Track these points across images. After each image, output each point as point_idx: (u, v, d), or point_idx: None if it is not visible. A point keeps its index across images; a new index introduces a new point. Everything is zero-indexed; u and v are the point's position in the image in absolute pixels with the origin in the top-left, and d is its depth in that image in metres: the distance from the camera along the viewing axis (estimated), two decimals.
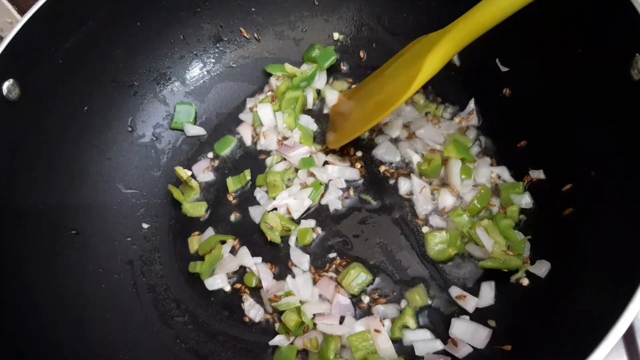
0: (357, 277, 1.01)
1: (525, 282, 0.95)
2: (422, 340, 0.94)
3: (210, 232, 1.13)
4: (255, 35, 1.31)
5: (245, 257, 1.07)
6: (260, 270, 1.05)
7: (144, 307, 1.07)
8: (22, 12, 1.45)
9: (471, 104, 1.15)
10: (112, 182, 1.17)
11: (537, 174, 1.03)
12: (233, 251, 1.10)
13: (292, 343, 0.97)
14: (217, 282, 1.06)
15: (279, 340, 0.98)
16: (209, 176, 1.21)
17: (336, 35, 1.30)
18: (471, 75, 1.18)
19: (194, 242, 1.12)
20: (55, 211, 1.05)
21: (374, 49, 1.28)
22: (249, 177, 1.18)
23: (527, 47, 1.04)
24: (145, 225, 1.16)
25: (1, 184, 0.96)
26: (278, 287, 1.02)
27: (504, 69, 1.11)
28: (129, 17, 1.16)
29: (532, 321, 0.89)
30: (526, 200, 1.02)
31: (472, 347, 0.92)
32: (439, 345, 0.93)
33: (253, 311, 1.03)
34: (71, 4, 1.04)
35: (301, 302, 0.99)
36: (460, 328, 0.93)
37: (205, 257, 1.08)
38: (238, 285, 1.06)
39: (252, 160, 1.21)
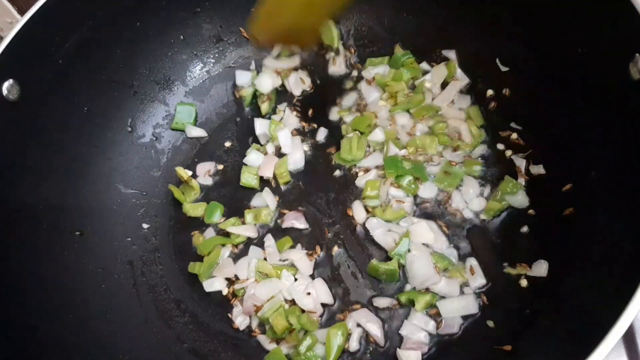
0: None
1: (524, 283, 0.95)
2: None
3: (210, 232, 1.13)
4: None
5: (241, 269, 1.06)
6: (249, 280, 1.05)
7: (144, 307, 1.07)
8: (22, 12, 1.45)
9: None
10: (112, 182, 1.18)
11: (537, 169, 1.03)
12: (232, 255, 1.10)
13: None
14: (215, 284, 1.06)
15: (266, 342, 0.99)
16: (208, 180, 1.20)
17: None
18: (471, 76, 1.18)
19: (199, 239, 1.12)
20: (55, 211, 1.05)
21: (374, 49, 1.28)
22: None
23: (527, 47, 1.04)
24: (145, 225, 1.16)
25: (1, 184, 0.96)
26: (260, 295, 1.01)
27: (504, 68, 1.11)
28: (129, 17, 1.16)
29: (532, 321, 0.89)
30: (520, 200, 1.02)
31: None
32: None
33: (240, 318, 1.03)
34: (71, 4, 1.04)
35: (286, 301, 1.01)
36: (448, 306, 0.95)
37: (204, 259, 1.08)
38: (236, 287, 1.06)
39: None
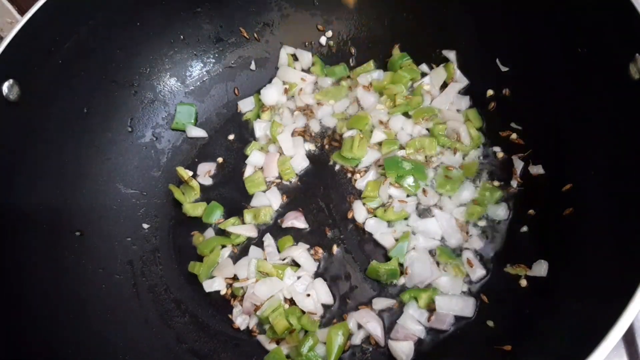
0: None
1: (523, 283, 0.95)
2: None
3: (210, 232, 1.13)
4: (255, 35, 1.31)
5: (241, 269, 1.06)
6: (249, 280, 1.04)
7: (144, 308, 1.07)
8: (22, 12, 1.45)
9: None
10: (112, 182, 1.17)
11: (537, 169, 1.03)
12: (232, 255, 1.10)
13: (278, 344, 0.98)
14: (215, 284, 1.06)
15: (266, 342, 0.99)
16: (208, 180, 1.21)
17: (329, 34, 1.30)
18: (471, 76, 1.18)
19: (199, 239, 1.12)
20: (55, 212, 1.05)
21: (374, 49, 1.27)
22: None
23: (527, 47, 1.04)
24: (145, 226, 1.16)
25: (1, 184, 0.96)
26: (260, 295, 1.01)
27: (504, 69, 1.11)
28: (129, 17, 1.16)
29: (532, 321, 0.89)
30: (500, 214, 1.03)
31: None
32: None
33: (240, 319, 1.03)
34: (71, 4, 1.04)
35: (286, 299, 1.01)
36: (446, 303, 0.95)
37: (204, 259, 1.08)
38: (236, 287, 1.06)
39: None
